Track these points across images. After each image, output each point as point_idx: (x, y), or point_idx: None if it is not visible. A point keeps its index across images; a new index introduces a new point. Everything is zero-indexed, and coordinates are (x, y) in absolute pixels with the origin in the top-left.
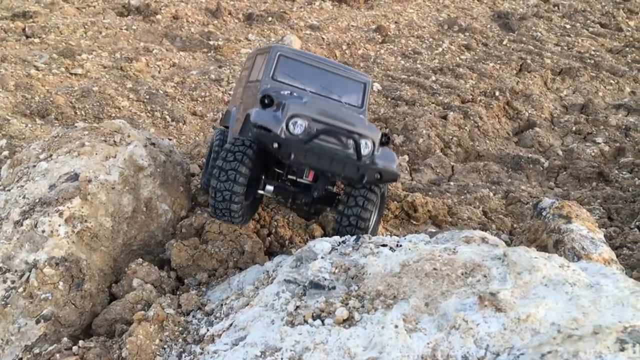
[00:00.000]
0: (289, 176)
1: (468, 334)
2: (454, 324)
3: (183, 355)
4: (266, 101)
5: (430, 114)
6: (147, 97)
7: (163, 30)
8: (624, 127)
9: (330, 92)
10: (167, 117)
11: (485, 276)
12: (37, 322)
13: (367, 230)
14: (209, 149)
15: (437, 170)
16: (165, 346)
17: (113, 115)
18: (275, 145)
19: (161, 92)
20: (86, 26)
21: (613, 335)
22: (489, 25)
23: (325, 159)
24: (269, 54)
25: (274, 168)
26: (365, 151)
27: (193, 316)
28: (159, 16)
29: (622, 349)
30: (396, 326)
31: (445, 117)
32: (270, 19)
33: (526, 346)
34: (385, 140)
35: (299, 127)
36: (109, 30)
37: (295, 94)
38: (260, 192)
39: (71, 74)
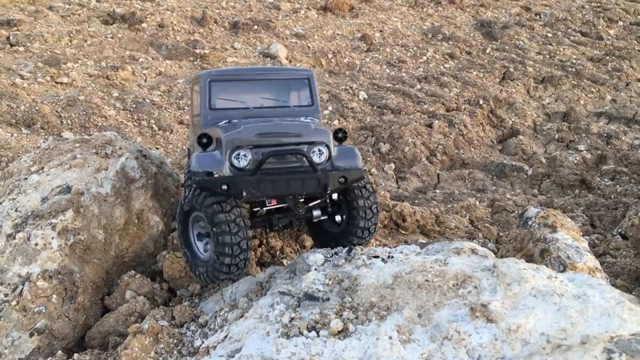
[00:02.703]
0: (254, 209)
1: (460, 345)
2: (446, 334)
3: None
4: (204, 141)
5: (416, 122)
6: (134, 106)
7: (149, 39)
8: (605, 134)
9: (275, 101)
10: (154, 125)
11: (476, 287)
12: (31, 335)
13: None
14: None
15: (423, 178)
16: (161, 358)
17: (99, 124)
18: (224, 187)
19: (148, 100)
20: (71, 34)
21: (600, 345)
22: (472, 34)
23: (281, 184)
24: (200, 84)
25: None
26: (320, 158)
27: (187, 328)
28: (144, 24)
29: (609, 358)
30: (390, 337)
31: (430, 126)
32: (255, 27)
33: (517, 356)
34: (342, 136)
35: (243, 159)
36: (94, 38)
37: (234, 120)
38: None
39: (57, 82)
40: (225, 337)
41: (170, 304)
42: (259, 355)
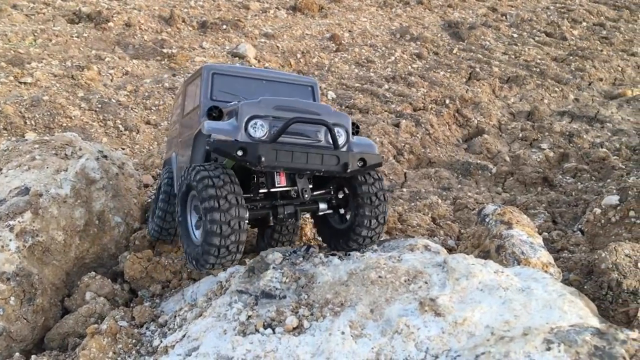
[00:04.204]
0: (260, 190)
1: (409, 338)
2: (396, 329)
3: None
4: (214, 114)
5: (383, 121)
6: (99, 106)
7: (115, 38)
8: (567, 133)
9: None
10: (120, 126)
11: (426, 282)
12: None
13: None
14: (157, 193)
15: (390, 177)
16: (119, 358)
17: (64, 125)
18: (240, 152)
19: (114, 101)
20: (35, 34)
21: (541, 336)
22: (439, 35)
23: (300, 156)
24: (201, 76)
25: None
26: (340, 139)
27: (147, 328)
28: (110, 23)
29: (549, 349)
30: (343, 332)
31: (397, 125)
32: (224, 27)
33: (462, 348)
34: (356, 130)
35: (260, 129)
36: (59, 37)
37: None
38: None
39: (20, 82)
40: (184, 336)
41: (131, 305)
42: (215, 354)
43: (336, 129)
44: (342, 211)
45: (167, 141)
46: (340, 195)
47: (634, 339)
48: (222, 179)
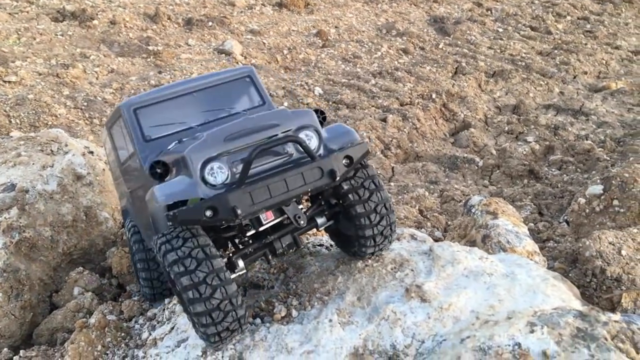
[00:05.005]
0: (247, 235)
1: (396, 325)
2: (384, 315)
3: (126, 359)
4: (159, 171)
5: (370, 116)
6: (85, 104)
7: (100, 36)
8: (553, 126)
9: (220, 111)
10: (103, 128)
11: (412, 270)
12: None
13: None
14: (130, 249)
15: (378, 172)
16: (108, 352)
17: (50, 123)
18: (209, 212)
19: (99, 98)
20: (19, 32)
21: (524, 319)
22: (425, 30)
23: (279, 185)
24: (122, 117)
25: (223, 240)
26: (313, 143)
27: (135, 322)
28: (95, 21)
29: (532, 331)
30: (330, 320)
31: (384, 120)
32: (210, 23)
33: (448, 332)
34: (322, 117)
35: (219, 174)
36: (43, 36)
37: (184, 139)
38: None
39: (4, 81)
40: (172, 328)
41: (120, 299)
42: (203, 344)
43: (304, 133)
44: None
45: (115, 185)
46: (335, 202)
47: (615, 321)
48: (195, 258)
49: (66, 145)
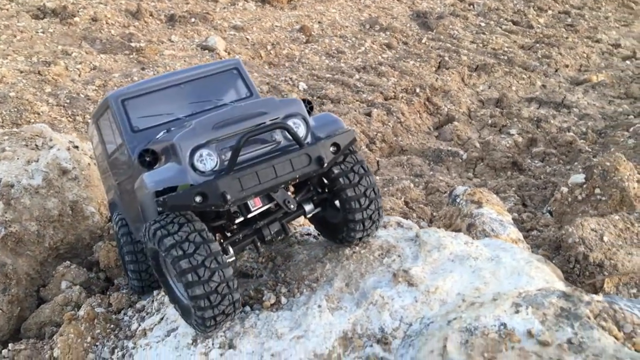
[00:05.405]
0: (235, 222)
1: (384, 309)
2: (372, 300)
3: (115, 350)
4: (148, 159)
5: (355, 111)
6: (68, 101)
7: (82, 33)
8: (535, 118)
9: (207, 102)
10: (90, 121)
11: (399, 256)
12: None
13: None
14: (117, 242)
15: None
16: (98, 343)
17: (32, 121)
18: (199, 198)
19: (82, 96)
20: None
21: (509, 300)
22: (408, 25)
23: (267, 172)
24: (110, 109)
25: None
26: (301, 131)
27: (124, 314)
28: (76, 18)
29: (517, 312)
30: (320, 306)
31: (369, 114)
32: (193, 20)
33: (435, 315)
34: (309, 107)
35: (209, 161)
36: (24, 33)
37: (173, 128)
38: None
39: None
40: (162, 319)
41: (108, 293)
42: (194, 332)
43: (292, 121)
44: (337, 203)
45: (102, 179)
46: (321, 190)
47: (598, 301)
48: (192, 242)
49: (51, 140)
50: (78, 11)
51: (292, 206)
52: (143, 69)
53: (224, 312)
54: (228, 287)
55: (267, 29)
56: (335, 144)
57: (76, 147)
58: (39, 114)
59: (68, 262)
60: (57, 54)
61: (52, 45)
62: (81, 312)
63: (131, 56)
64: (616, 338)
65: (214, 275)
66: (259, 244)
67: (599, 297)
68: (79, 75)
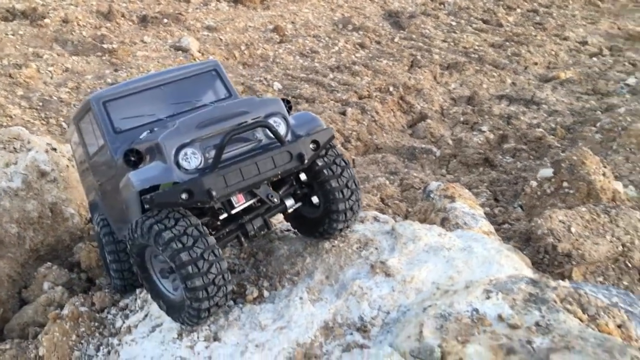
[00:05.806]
0: (220, 218)
1: (363, 299)
2: (351, 291)
3: (101, 347)
4: (133, 158)
5: (330, 110)
6: (40, 104)
7: (53, 35)
8: (506, 115)
9: (187, 103)
10: (63, 123)
11: (376, 248)
12: None
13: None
14: (98, 242)
15: None
16: (83, 341)
17: (5, 124)
18: (185, 195)
19: (55, 98)
20: None
21: (481, 287)
22: (381, 24)
23: (250, 168)
24: (91, 111)
25: None
26: (282, 129)
27: (108, 312)
28: (47, 20)
29: (488, 297)
30: (301, 298)
31: (344, 113)
32: (165, 20)
33: (411, 303)
34: (289, 107)
35: (193, 159)
36: None
37: (156, 128)
38: None
39: None
40: (146, 315)
41: (90, 293)
42: (179, 327)
43: (272, 120)
44: (315, 200)
45: (82, 181)
46: (303, 179)
47: (564, 286)
48: (190, 235)
49: (29, 143)
50: (48, 13)
51: (275, 199)
52: (116, 70)
53: (217, 304)
54: (224, 279)
55: (240, 29)
56: (315, 142)
57: (54, 149)
58: (11, 117)
59: (49, 264)
60: (28, 56)
61: (22, 48)
62: (65, 311)
63: (104, 58)
64: (581, 320)
65: (212, 267)
66: (242, 239)
67: (565, 282)
68: (51, 78)
